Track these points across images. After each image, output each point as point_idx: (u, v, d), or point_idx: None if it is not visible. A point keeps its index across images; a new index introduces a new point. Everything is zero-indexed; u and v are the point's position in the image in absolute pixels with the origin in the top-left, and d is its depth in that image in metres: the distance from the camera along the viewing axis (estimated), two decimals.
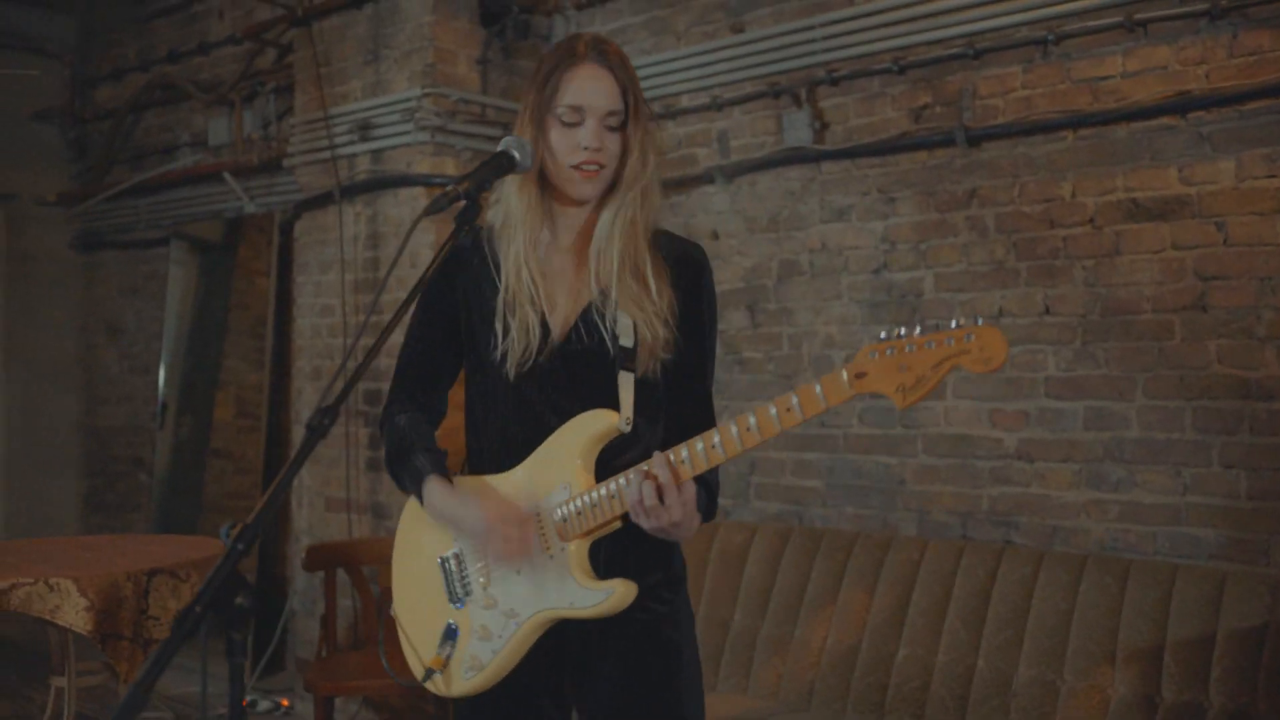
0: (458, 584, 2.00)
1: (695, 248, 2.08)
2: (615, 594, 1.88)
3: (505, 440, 2.01)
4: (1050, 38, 3.60)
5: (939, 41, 3.83)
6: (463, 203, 1.79)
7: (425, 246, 4.47)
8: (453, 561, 2.02)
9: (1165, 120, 3.43)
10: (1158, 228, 3.45)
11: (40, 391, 6.88)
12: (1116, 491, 3.53)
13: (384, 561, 4.03)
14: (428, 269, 1.76)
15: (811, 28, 4.06)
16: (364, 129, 4.61)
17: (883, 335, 1.67)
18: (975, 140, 3.77)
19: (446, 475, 2.02)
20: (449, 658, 1.99)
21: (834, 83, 4.06)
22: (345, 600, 4.49)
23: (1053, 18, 3.60)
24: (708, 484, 1.95)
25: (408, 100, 4.47)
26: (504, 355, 1.97)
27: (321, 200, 4.83)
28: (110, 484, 6.79)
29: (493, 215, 2.03)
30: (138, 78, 6.44)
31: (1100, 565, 3.34)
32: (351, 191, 4.71)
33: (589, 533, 1.91)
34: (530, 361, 1.97)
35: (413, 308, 2.03)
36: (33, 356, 6.86)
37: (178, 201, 6.16)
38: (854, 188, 4.05)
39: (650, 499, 1.81)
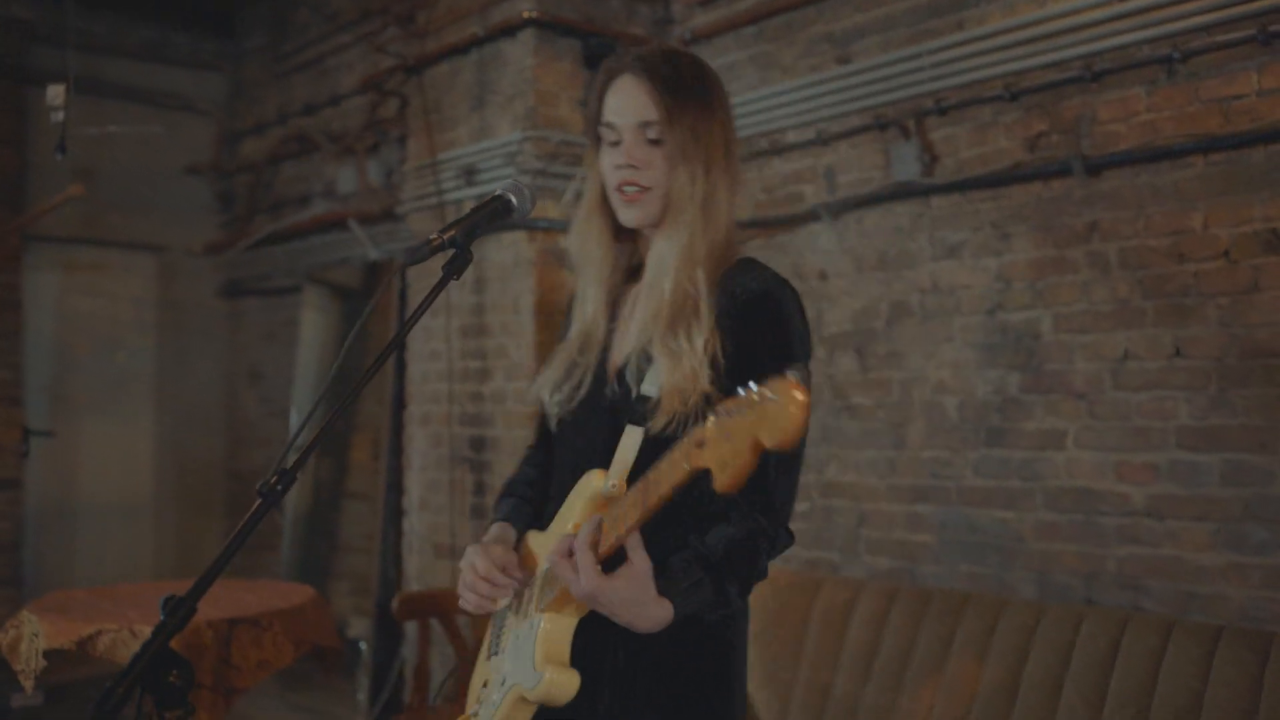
0: (497, 637, 1.88)
1: (766, 277, 1.78)
2: (544, 680, 1.64)
3: (559, 494, 1.86)
4: (1176, 56, 3.30)
5: (1054, 65, 3.56)
6: (450, 251, 1.69)
7: (527, 291, 4.42)
8: (503, 612, 1.89)
9: None
10: None
11: (189, 434, 7.15)
12: (1260, 554, 3.17)
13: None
14: (409, 321, 1.66)
15: (919, 55, 3.85)
16: (469, 174, 4.61)
17: (739, 390, 1.38)
18: (1095, 169, 3.49)
19: (513, 521, 1.93)
20: (475, 715, 1.85)
21: (943, 112, 3.83)
22: (450, 649, 4.43)
23: (1178, 34, 3.30)
24: (713, 567, 1.63)
25: (509, 144, 4.44)
26: (548, 401, 1.88)
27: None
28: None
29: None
30: (277, 131, 6.66)
31: (1239, 638, 2.99)
32: None
33: (555, 607, 1.69)
34: (570, 408, 1.85)
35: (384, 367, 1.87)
36: (182, 401, 7.14)
37: (311, 249, 6.31)
38: (966, 223, 3.80)
39: (558, 558, 1.58)
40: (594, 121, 1.82)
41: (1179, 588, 3.31)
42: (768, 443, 1.29)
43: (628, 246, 1.89)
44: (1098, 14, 3.45)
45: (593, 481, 1.72)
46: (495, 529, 1.92)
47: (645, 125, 1.75)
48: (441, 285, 1.68)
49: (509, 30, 4.44)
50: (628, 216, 1.79)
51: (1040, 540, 3.61)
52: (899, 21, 3.97)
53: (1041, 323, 3.62)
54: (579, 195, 1.86)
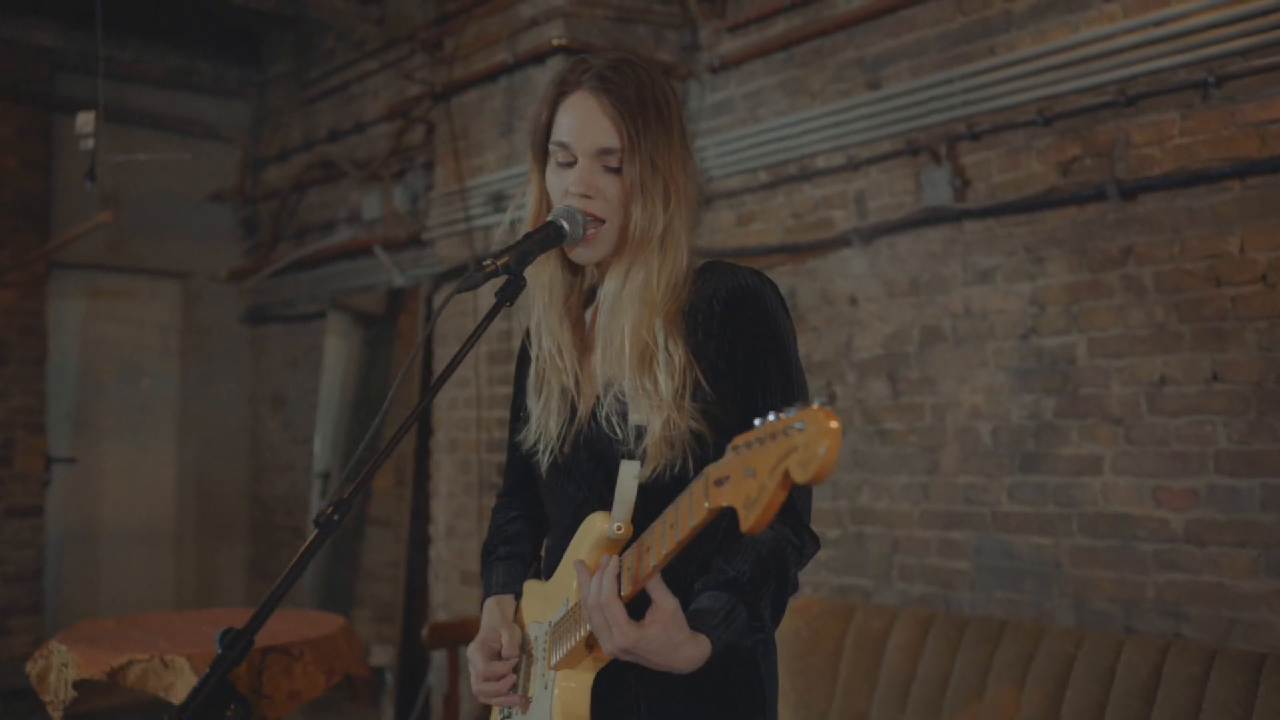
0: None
1: (743, 274, 1.68)
2: None
3: (557, 542, 1.79)
4: (1211, 80, 3.29)
5: (1087, 89, 3.55)
6: (503, 278, 1.66)
7: None
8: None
9: None
10: None
11: (211, 461, 7.15)
12: None
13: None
14: (459, 353, 1.64)
15: (950, 80, 3.84)
16: (498, 200, 4.62)
17: (755, 421, 1.28)
18: (1130, 193, 3.47)
19: (510, 590, 1.85)
20: None
21: (975, 137, 3.82)
22: None
23: (1213, 58, 3.29)
24: (744, 590, 1.53)
25: None
26: (530, 446, 1.76)
27: (458, 272, 4.84)
28: (273, 552, 6.97)
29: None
30: (302, 157, 6.68)
31: None
32: None
33: (569, 663, 1.62)
34: (558, 450, 1.73)
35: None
36: (206, 427, 7.15)
37: (335, 276, 6.33)
38: (999, 247, 3.79)
39: (594, 612, 1.49)
40: (542, 135, 1.68)
41: (1220, 614, 3.27)
42: (800, 477, 1.18)
43: (581, 270, 1.77)
44: (1131, 39, 3.44)
45: (596, 524, 1.61)
46: (488, 614, 1.82)
47: (604, 153, 1.63)
48: (495, 312, 1.66)
49: (538, 57, 4.45)
50: (583, 254, 1.67)
51: (1078, 566, 3.57)
52: (930, 47, 3.96)
53: (1076, 347, 3.60)
54: (516, 223, 1.74)
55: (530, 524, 1.95)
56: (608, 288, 1.68)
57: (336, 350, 6.49)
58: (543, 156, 1.71)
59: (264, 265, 6.78)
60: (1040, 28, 3.68)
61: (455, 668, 3.91)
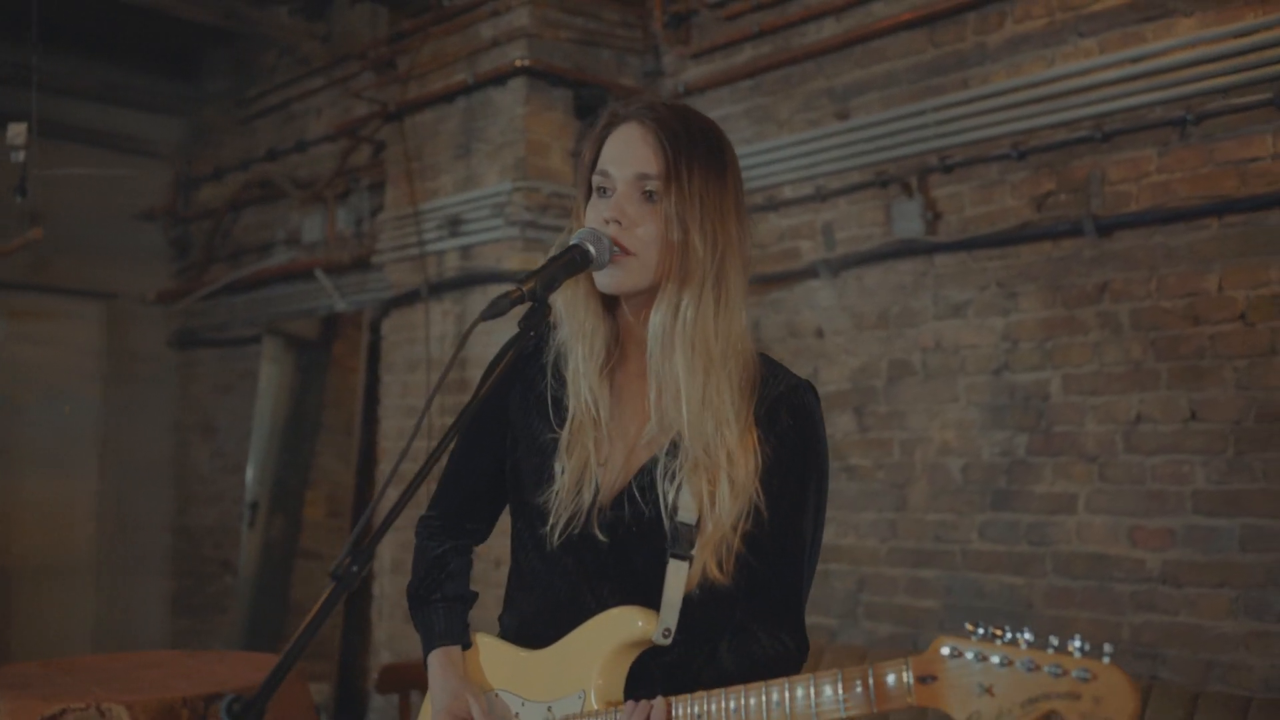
0: None
1: (804, 388, 1.64)
2: None
3: (540, 610, 1.66)
4: (1189, 118, 3.28)
5: (1063, 124, 3.54)
6: (528, 304, 1.55)
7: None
8: None
9: None
10: None
11: (135, 490, 6.83)
12: None
13: None
14: (483, 383, 1.52)
15: (922, 112, 3.81)
16: (453, 224, 4.47)
17: (970, 627, 1.23)
18: (1106, 229, 3.45)
19: (457, 639, 1.71)
20: None
21: (947, 170, 3.78)
22: None
23: (1191, 96, 3.29)
24: None
25: (498, 194, 4.31)
26: (548, 509, 1.62)
27: (410, 298, 4.68)
28: (199, 585, 6.67)
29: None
30: (239, 176, 6.45)
31: (1267, 709, 2.92)
32: (440, 289, 4.56)
33: None
34: (579, 525, 1.59)
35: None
36: (129, 454, 6.82)
37: (272, 299, 6.11)
38: (971, 281, 3.75)
39: None
40: (587, 168, 1.63)
41: (1198, 656, 3.23)
42: None
43: (617, 317, 1.66)
44: (1108, 75, 3.44)
45: (634, 622, 1.53)
46: (442, 673, 1.67)
47: (642, 178, 1.56)
48: (519, 339, 1.54)
49: (499, 79, 4.33)
50: (604, 279, 1.57)
51: (1051, 607, 3.52)
52: (901, 78, 3.93)
53: (1050, 384, 3.56)
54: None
55: (464, 557, 1.80)
56: (655, 320, 1.58)
57: (270, 376, 6.25)
58: (588, 194, 1.64)
59: (195, 287, 6.52)
60: (1015, 61, 3.67)
61: (407, 712, 3.72)
